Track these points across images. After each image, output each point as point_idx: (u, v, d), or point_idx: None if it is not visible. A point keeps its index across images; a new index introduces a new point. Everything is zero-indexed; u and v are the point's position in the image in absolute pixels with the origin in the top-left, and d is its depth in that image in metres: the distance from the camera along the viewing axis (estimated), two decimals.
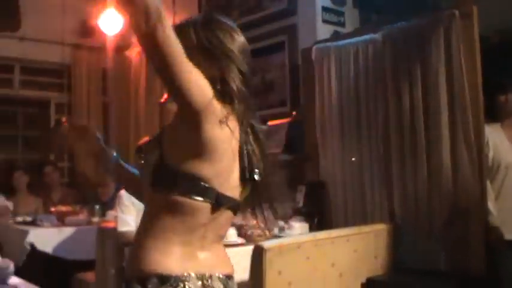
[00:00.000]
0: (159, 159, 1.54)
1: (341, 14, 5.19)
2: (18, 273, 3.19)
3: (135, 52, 7.08)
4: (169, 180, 1.52)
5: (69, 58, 7.27)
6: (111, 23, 6.72)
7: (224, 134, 1.50)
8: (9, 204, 5.99)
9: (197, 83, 1.43)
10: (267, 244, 3.08)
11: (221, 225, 1.60)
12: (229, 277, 1.60)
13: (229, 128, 1.51)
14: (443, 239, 3.82)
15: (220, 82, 1.54)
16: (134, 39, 6.89)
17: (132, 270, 1.56)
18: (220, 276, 1.56)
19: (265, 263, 3.00)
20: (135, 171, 1.87)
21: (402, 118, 4.04)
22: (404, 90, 4.02)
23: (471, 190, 3.67)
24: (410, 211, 3.99)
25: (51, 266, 4.93)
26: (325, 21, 5.07)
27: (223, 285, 1.55)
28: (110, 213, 5.20)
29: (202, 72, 1.45)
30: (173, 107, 1.53)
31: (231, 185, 1.58)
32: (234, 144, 1.56)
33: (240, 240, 3.72)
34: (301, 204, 4.61)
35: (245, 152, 1.60)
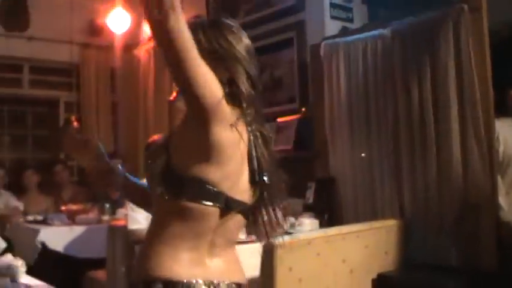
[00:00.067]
0: (165, 165, 1.52)
1: (349, 9, 5.17)
2: (29, 272, 3.20)
3: (143, 51, 7.08)
4: (177, 185, 1.50)
5: (78, 57, 7.31)
6: (119, 21, 6.74)
7: (233, 137, 1.48)
8: (20, 205, 6.03)
9: (207, 76, 1.41)
10: (277, 241, 3.07)
11: (231, 230, 1.58)
12: (239, 285, 1.58)
13: (238, 131, 1.50)
14: (454, 234, 3.81)
15: (228, 84, 1.52)
16: (142, 38, 6.92)
17: (138, 274, 1.55)
18: (230, 283, 1.54)
19: (276, 259, 3.00)
20: (142, 182, 1.86)
21: (412, 114, 4.02)
22: (414, 85, 4.00)
23: (482, 185, 3.65)
24: (420, 207, 3.97)
25: (62, 265, 4.95)
26: (333, 17, 5.05)
27: None
28: (120, 212, 5.22)
29: None
30: (182, 105, 1.52)
31: (240, 189, 1.56)
32: (243, 148, 1.54)
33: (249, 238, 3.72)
34: (311, 200, 4.61)
35: (254, 154, 1.58)
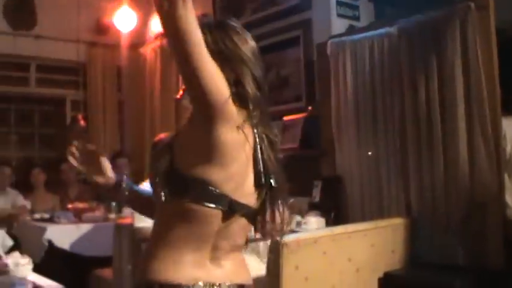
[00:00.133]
0: (169, 165, 1.51)
1: (356, 8, 5.16)
2: (36, 269, 3.22)
3: (149, 49, 7.09)
4: (180, 185, 1.49)
5: (84, 56, 7.33)
6: (125, 20, 6.76)
7: (238, 138, 1.48)
8: (27, 203, 6.06)
9: (214, 73, 1.40)
10: (284, 239, 3.08)
11: (235, 233, 1.57)
12: (242, 286, 1.58)
13: (244, 133, 1.49)
14: (461, 233, 3.80)
15: (234, 85, 1.51)
16: (149, 37, 6.93)
17: (141, 277, 1.55)
18: (231, 285, 1.54)
19: (282, 258, 3.00)
20: (147, 191, 1.85)
21: (418, 112, 4.01)
22: (421, 83, 3.99)
23: (488, 184, 3.64)
24: (427, 205, 3.97)
25: (69, 263, 4.96)
26: (340, 15, 5.04)
27: None
28: (127, 210, 5.22)
29: None
30: (188, 103, 1.52)
31: (245, 192, 1.55)
32: (248, 150, 1.53)
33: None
34: (317, 199, 4.61)
35: (259, 157, 1.57)
